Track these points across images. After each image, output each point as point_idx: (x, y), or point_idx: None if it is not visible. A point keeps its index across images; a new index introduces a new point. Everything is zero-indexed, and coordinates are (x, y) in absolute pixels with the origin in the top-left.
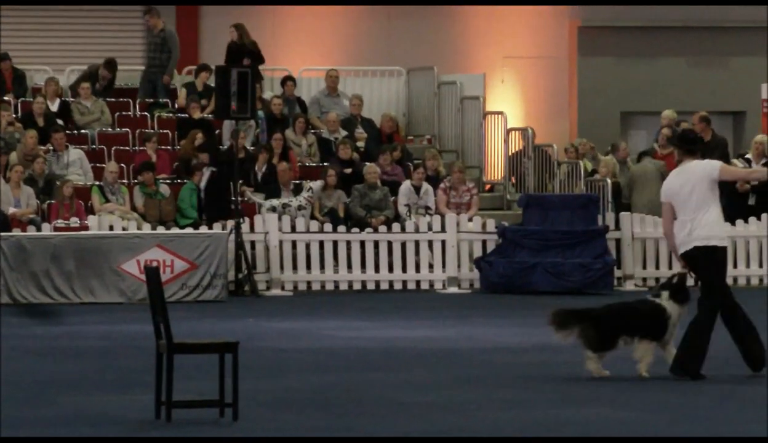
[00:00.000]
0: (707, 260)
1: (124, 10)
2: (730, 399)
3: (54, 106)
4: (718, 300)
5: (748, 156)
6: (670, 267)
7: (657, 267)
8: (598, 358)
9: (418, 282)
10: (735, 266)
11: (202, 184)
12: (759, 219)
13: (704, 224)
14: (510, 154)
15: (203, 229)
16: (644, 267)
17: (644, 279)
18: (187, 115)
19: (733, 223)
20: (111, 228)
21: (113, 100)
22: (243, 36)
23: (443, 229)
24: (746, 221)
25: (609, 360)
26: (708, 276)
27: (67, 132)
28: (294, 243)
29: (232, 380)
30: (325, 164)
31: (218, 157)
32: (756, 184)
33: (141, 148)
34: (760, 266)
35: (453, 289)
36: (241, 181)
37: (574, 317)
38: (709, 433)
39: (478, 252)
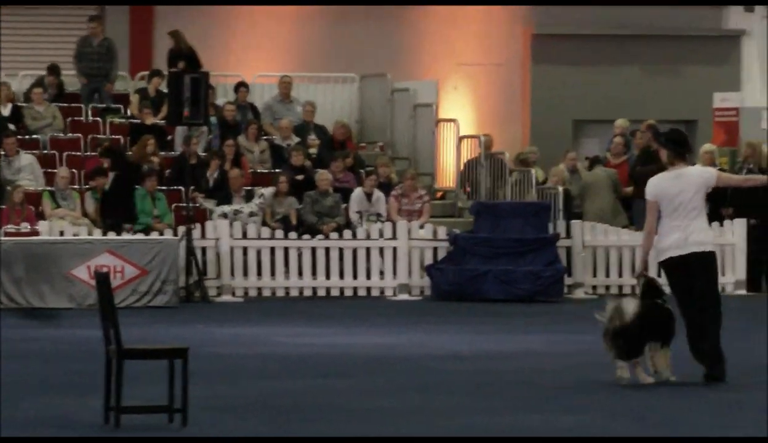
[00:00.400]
0: (704, 265)
1: (77, 15)
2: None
3: (6, 111)
4: (718, 302)
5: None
6: (621, 276)
7: (607, 275)
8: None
9: (368, 289)
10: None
11: (106, 188)
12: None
13: (699, 230)
14: (465, 161)
15: (154, 235)
16: (594, 275)
17: (594, 287)
18: (139, 121)
19: None
20: (62, 233)
21: (65, 105)
22: (179, 42)
23: (394, 236)
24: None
25: (558, 363)
26: (706, 282)
27: (19, 137)
28: (245, 250)
29: (182, 386)
30: (277, 171)
31: (122, 161)
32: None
33: (93, 153)
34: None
35: (404, 296)
36: (192, 187)
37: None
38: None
39: (429, 260)
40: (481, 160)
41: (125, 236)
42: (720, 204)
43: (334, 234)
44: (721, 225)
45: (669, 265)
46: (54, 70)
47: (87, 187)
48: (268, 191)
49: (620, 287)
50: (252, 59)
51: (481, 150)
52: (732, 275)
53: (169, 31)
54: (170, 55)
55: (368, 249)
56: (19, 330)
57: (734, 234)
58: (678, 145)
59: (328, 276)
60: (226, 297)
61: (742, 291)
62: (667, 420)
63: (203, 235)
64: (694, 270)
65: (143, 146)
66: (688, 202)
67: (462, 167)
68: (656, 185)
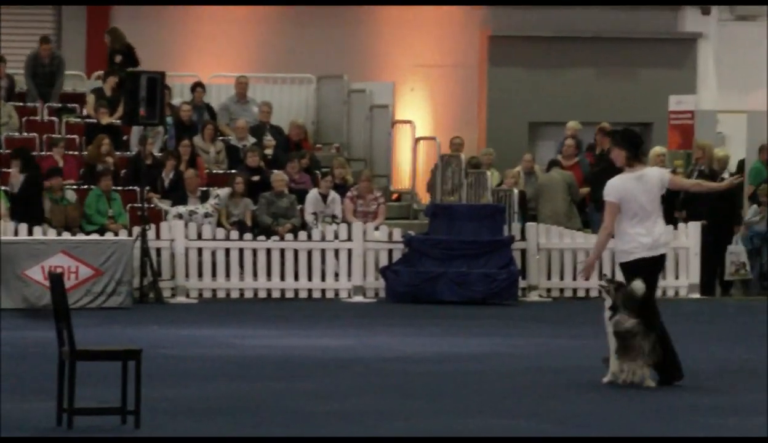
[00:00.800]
0: (662, 266)
1: (38, 12)
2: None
3: None
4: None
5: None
6: (575, 278)
7: (562, 278)
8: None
9: (323, 291)
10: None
11: (16, 190)
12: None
13: (663, 232)
14: (432, 165)
15: (109, 235)
16: (549, 278)
17: (548, 290)
18: (95, 121)
19: None
20: (16, 233)
21: (21, 104)
22: (116, 40)
23: (350, 238)
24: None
25: (511, 366)
26: (655, 282)
27: None
28: (200, 251)
29: (135, 387)
30: (233, 171)
31: (31, 163)
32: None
33: (48, 153)
34: (664, 278)
35: (358, 298)
36: (148, 188)
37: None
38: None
39: (384, 262)
40: (461, 163)
41: (80, 237)
42: (673, 207)
43: (289, 236)
44: (675, 228)
45: (637, 266)
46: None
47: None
48: (223, 192)
49: (575, 290)
50: (208, 59)
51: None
52: (686, 278)
53: (106, 30)
54: (109, 53)
55: (323, 251)
56: None
57: (688, 237)
58: (635, 147)
59: (282, 278)
60: (181, 299)
61: (696, 295)
62: (615, 425)
63: (158, 236)
64: (656, 271)
65: (97, 146)
66: (650, 204)
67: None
68: (618, 186)
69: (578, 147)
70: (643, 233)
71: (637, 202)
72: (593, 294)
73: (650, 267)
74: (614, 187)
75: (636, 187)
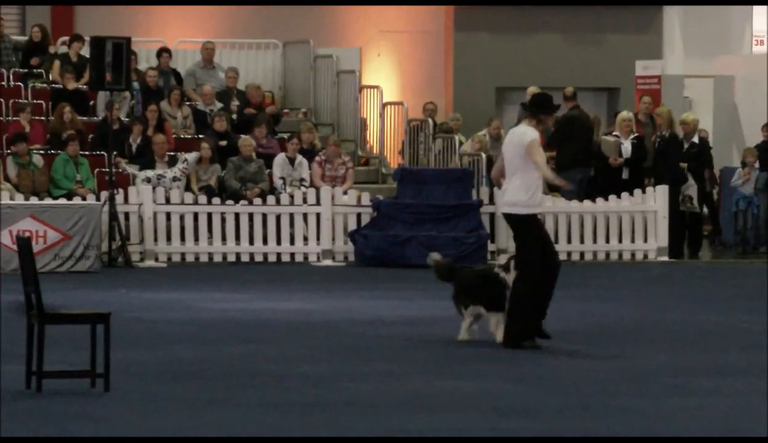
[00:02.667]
0: (513, 228)
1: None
2: (599, 371)
3: None
4: (524, 267)
5: (616, 133)
6: None
7: None
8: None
9: (292, 255)
10: (607, 241)
11: None
12: (631, 194)
13: (510, 191)
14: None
15: (77, 200)
16: None
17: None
18: (61, 86)
19: (606, 198)
20: None
21: None
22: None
23: (318, 202)
24: (619, 196)
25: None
26: (518, 244)
27: None
28: (168, 215)
29: (104, 351)
30: (200, 136)
31: None
32: (629, 157)
33: (14, 118)
34: (632, 241)
35: (327, 262)
36: (115, 153)
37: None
38: (579, 407)
39: (352, 226)
40: (430, 128)
41: (48, 201)
42: (641, 172)
43: (257, 200)
44: (644, 192)
45: (505, 219)
46: None
47: (9, 152)
48: (191, 156)
49: None
50: (175, 25)
51: (405, 116)
52: (654, 241)
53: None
54: None
55: (292, 215)
56: None
57: (656, 201)
58: (533, 107)
59: (251, 242)
60: (149, 263)
61: (665, 258)
62: (570, 391)
63: (126, 200)
64: (512, 228)
65: (60, 115)
66: (513, 160)
67: (397, 137)
68: (506, 139)
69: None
70: (505, 189)
71: (505, 157)
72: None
73: (509, 223)
74: (505, 139)
75: (507, 142)
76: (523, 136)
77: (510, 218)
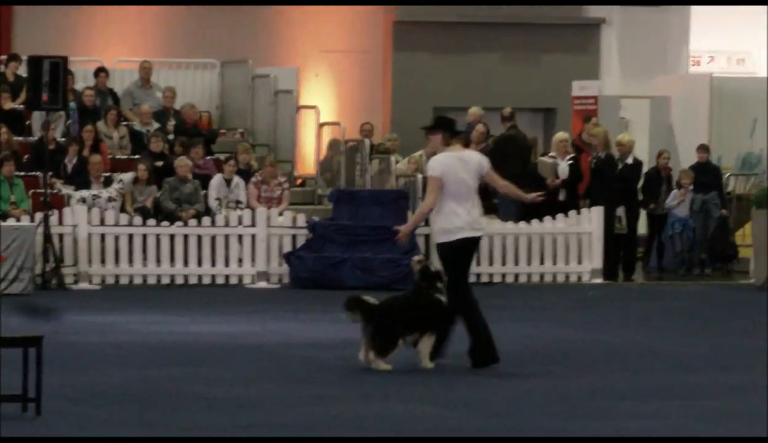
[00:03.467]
0: (477, 248)
1: None
2: (531, 393)
3: None
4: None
5: (552, 154)
6: (479, 264)
7: None
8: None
9: (227, 277)
10: (542, 262)
11: None
12: (566, 215)
13: (480, 214)
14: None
15: (11, 221)
16: None
17: None
18: None
19: (541, 219)
20: None
21: None
22: None
23: (253, 224)
24: (554, 218)
25: (403, 355)
26: (469, 265)
27: None
28: (103, 237)
29: (36, 374)
30: (137, 157)
31: None
32: (566, 179)
33: None
34: (567, 263)
35: (262, 284)
36: (51, 173)
37: (364, 310)
38: (509, 429)
39: (288, 247)
40: (366, 149)
41: None
42: (576, 194)
43: (192, 221)
44: (578, 213)
45: (461, 246)
46: None
47: None
48: (126, 176)
49: (478, 276)
50: (112, 44)
51: (342, 137)
52: (589, 263)
53: None
54: None
55: (227, 237)
56: None
57: (591, 222)
58: (450, 128)
59: (186, 264)
60: (84, 285)
61: (599, 280)
62: (501, 413)
63: (61, 222)
64: (470, 253)
65: None
66: (471, 184)
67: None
68: (442, 162)
69: (487, 132)
70: (464, 213)
71: (458, 180)
72: (497, 279)
73: (472, 247)
74: (438, 163)
75: (459, 165)
76: (481, 162)
77: (479, 240)
